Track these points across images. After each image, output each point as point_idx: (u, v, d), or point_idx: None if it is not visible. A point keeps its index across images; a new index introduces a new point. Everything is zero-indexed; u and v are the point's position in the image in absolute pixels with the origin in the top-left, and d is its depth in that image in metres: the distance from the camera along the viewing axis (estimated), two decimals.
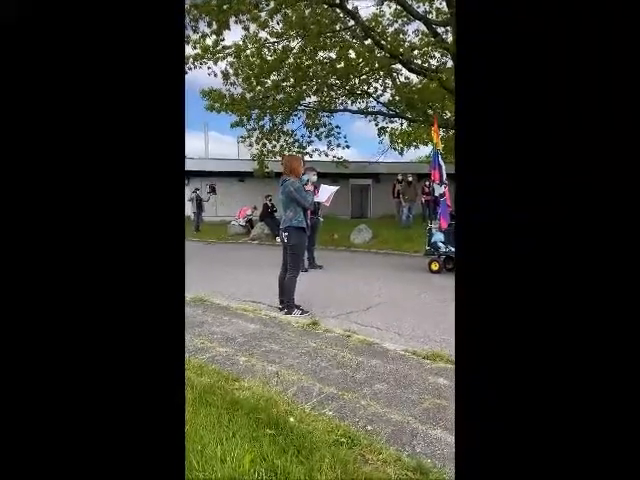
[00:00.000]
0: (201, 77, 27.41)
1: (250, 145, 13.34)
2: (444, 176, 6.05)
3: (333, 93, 12.84)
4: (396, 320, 3.66)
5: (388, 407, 1.93)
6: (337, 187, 5.57)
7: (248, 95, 12.03)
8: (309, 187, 4.01)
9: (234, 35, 11.65)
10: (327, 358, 2.57)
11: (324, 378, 2.25)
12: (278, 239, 4.25)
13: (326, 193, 5.25)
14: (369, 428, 1.71)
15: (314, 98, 12.85)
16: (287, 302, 3.85)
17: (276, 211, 10.74)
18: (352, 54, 11.12)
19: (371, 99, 13.35)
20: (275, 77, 11.68)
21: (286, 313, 3.78)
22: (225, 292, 4.63)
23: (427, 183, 11.80)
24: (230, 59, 11.48)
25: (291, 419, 1.68)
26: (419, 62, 11.99)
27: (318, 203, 6.47)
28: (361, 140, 39.33)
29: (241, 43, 10.98)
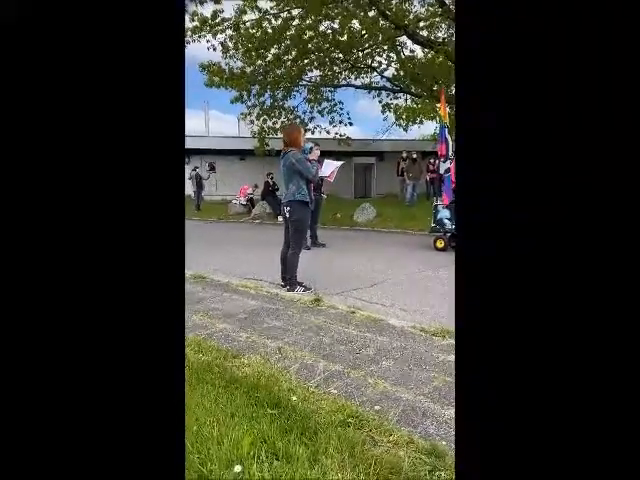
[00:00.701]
0: (200, 53, 26.70)
1: (251, 122, 13.03)
2: (450, 151, 5.86)
3: (336, 67, 12.44)
4: (402, 297, 3.54)
5: (397, 385, 1.81)
6: (341, 162, 5.38)
7: (248, 69, 11.66)
8: (313, 156, 3.83)
9: (233, 8, 11.15)
10: (331, 335, 2.45)
11: (328, 355, 2.13)
12: (280, 218, 4.11)
13: (330, 168, 5.05)
14: (377, 408, 1.60)
15: (316, 72, 12.48)
16: (290, 279, 3.73)
17: (278, 189, 10.54)
18: (356, 24, 10.70)
19: (375, 74, 12.96)
20: (276, 50, 11.30)
21: (288, 290, 3.65)
22: (226, 270, 4.51)
23: (432, 160, 11.57)
24: (229, 32, 11.10)
25: (294, 398, 1.56)
26: (425, 34, 11.57)
27: (321, 179, 6.28)
28: (365, 119, 38.69)
29: (240, 13, 10.57)
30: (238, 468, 1.14)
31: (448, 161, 5.86)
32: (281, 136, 3.78)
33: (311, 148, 3.90)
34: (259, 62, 11.57)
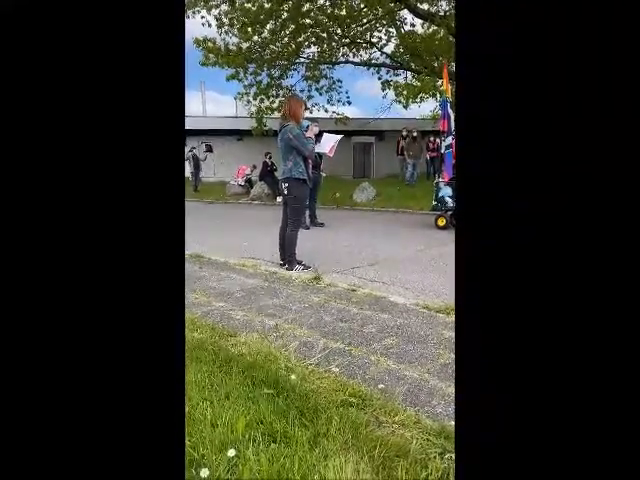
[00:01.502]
0: (195, 29, 26.06)
1: (248, 102, 12.74)
2: (452, 127, 5.69)
3: (334, 43, 12.08)
4: (403, 275, 3.44)
5: (401, 363, 1.72)
6: (340, 136, 5.21)
7: (244, 45, 11.31)
8: (310, 134, 3.67)
9: None
10: (332, 312, 2.36)
11: (329, 332, 2.05)
12: (279, 199, 3.95)
13: (329, 142, 4.89)
14: (381, 387, 1.51)
15: (314, 49, 12.12)
16: (288, 257, 3.63)
17: (276, 170, 10.34)
18: None
19: (374, 50, 12.59)
20: (272, 25, 10.94)
21: (287, 269, 3.56)
22: (224, 249, 4.39)
23: (432, 139, 11.35)
24: (224, 7, 10.73)
25: (292, 377, 1.48)
26: (426, 7, 11.19)
27: (320, 157, 6.12)
28: (364, 98, 38.00)
29: None
30: (232, 452, 1.05)
31: (450, 137, 5.70)
32: (279, 116, 3.60)
33: (308, 126, 3.74)
34: (255, 38, 11.22)
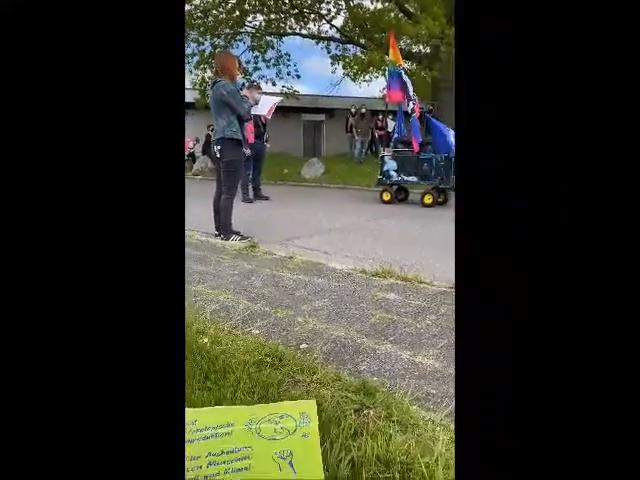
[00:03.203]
0: None
1: (190, 72, 12.03)
2: (411, 92, 5.59)
3: (282, 13, 11.62)
4: (345, 245, 3.35)
5: (329, 323, 1.60)
6: (279, 99, 4.98)
7: (185, 7, 10.58)
8: (246, 92, 3.42)
9: None
10: (263, 278, 2.21)
11: (255, 297, 1.89)
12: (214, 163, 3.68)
13: (267, 104, 4.64)
14: (304, 346, 1.38)
15: (260, 18, 11.60)
16: (224, 227, 3.41)
17: None
18: None
19: (323, 23, 12.28)
20: None
21: (223, 239, 3.34)
22: None
23: (380, 117, 11.35)
24: None
25: (204, 340, 1.31)
26: None
27: (264, 126, 5.85)
28: (314, 76, 37.39)
29: None
30: None
31: (411, 102, 5.58)
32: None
33: (244, 84, 3.49)
34: (196, 1, 10.52)
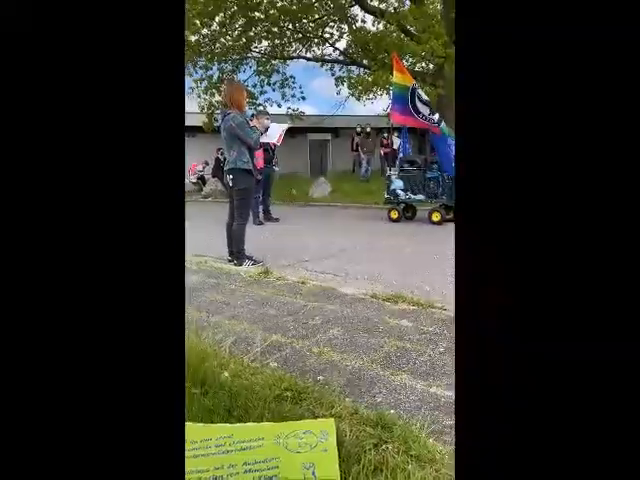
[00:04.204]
0: None
1: (198, 96, 12.35)
2: (428, 112, 5.52)
3: (285, 39, 11.94)
4: (354, 266, 3.40)
5: (344, 353, 1.65)
6: (287, 125, 5.11)
7: (193, 38, 10.93)
8: (255, 123, 3.54)
9: None
10: (277, 306, 2.26)
11: (271, 327, 1.94)
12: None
13: (276, 131, 4.76)
14: (320, 379, 1.43)
15: (265, 44, 11.92)
16: (237, 253, 3.48)
17: None
18: None
19: (327, 46, 12.58)
20: (221, 18, 10.64)
21: (236, 264, 3.41)
22: None
23: (385, 135, 11.50)
24: None
25: (225, 374, 1.36)
26: (376, 4, 11.31)
27: (272, 151, 5.99)
28: (319, 97, 38.07)
29: None
30: None
31: (442, 122, 5.49)
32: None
33: (253, 114, 3.61)
34: (204, 31, 10.87)
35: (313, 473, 0.90)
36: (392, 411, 1.22)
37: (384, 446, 1.01)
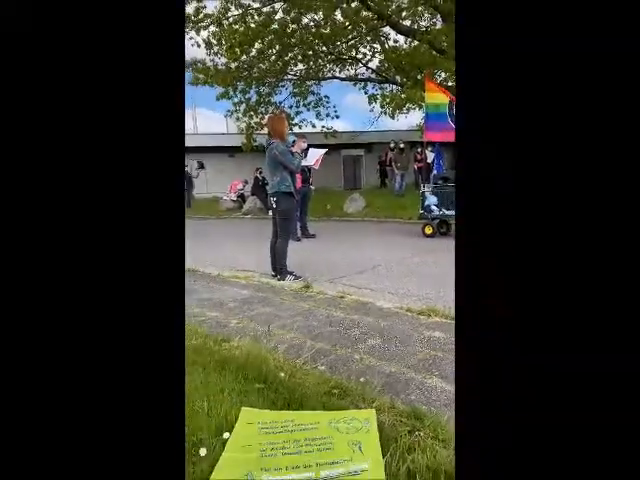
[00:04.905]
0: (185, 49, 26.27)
1: (237, 119, 13.02)
2: None
3: (320, 60, 12.43)
4: (390, 282, 3.60)
5: (382, 360, 1.87)
6: (325, 150, 5.42)
7: (233, 65, 11.62)
8: (296, 148, 3.87)
9: (216, 3, 11.13)
10: (320, 318, 2.52)
11: (317, 336, 2.20)
12: (270, 212, 4.10)
13: (315, 156, 5.09)
14: (362, 380, 1.66)
15: (300, 66, 12.46)
16: (280, 268, 3.78)
17: (267, 184, 10.53)
18: (338, 16, 10.71)
19: (360, 66, 12.97)
20: (259, 45, 11.27)
21: (279, 279, 3.71)
22: (217, 263, 4.54)
23: (419, 150, 11.63)
24: (213, 28, 11.05)
25: (281, 374, 1.62)
26: (408, 23, 11.60)
27: (309, 171, 6.33)
28: (353, 112, 38.69)
29: (223, 10, 10.54)
30: (227, 435, 1.20)
31: None
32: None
33: (294, 141, 3.94)
34: (243, 57, 11.53)
35: (360, 449, 1.14)
36: (424, 407, 1.43)
37: (416, 432, 1.23)
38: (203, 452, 1.12)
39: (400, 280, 3.64)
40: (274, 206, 3.70)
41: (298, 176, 5.51)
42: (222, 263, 4.56)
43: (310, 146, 5.92)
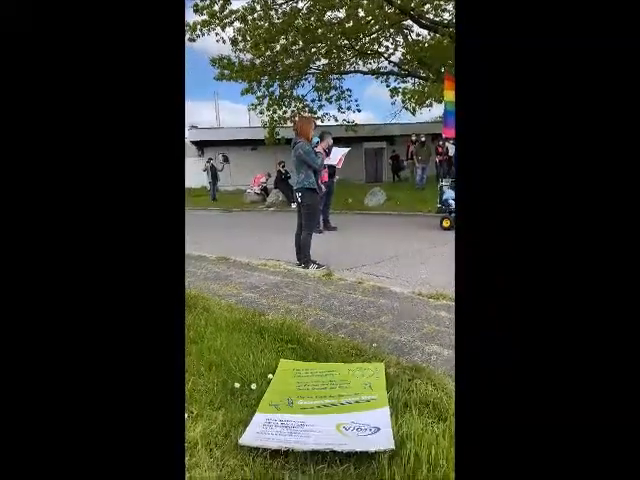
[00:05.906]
0: (210, 45, 26.93)
1: (261, 112, 13.39)
2: None
3: (343, 55, 12.65)
4: (406, 271, 3.93)
5: (392, 332, 2.24)
6: (348, 148, 5.74)
7: (257, 61, 11.98)
8: (319, 148, 4.22)
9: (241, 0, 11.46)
10: (340, 299, 2.89)
11: (338, 313, 2.57)
12: (293, 205, 4.45)
13: (337, 155, 5.43)
14: (375, 345, 2.03)
15: (324, 61, 12.71)
16: (304, 258, 4.17)
17: (289, 177, 10.91)
18: (361, 12, 10.89)
19: (382, 59, 13.11)
20: (284, 41, 11.58)
21: (303, 268, 4.10)
22: (246, 252, 4.96)
23: (440, 143, 11.74)
24: (238, 24, 11.41)
25: (309, 338, 2.01)
26: (431, 17, 11.67)
27: (334, 167, 6.67)
28: (375, 104, 38.66)
29: (248, 6, 10.87)
30: (270, 376, 1.60)
31: None
32: (291, 125, 4.16)
33: (318, 142, 4.29)
34: (268, 53, 11.86)
35: (370, 387, 1.51)
36: (424, 365, 1.79)
37: (415, 380, 1.59)
38: (254, 386, 1.52)
39: (415, 269, 3.96)
40: (299, 200, 4.08)
41: (325, 171, 5.86)
42: (251, 252, 4.98)
43: (333, 139, 6.25)
